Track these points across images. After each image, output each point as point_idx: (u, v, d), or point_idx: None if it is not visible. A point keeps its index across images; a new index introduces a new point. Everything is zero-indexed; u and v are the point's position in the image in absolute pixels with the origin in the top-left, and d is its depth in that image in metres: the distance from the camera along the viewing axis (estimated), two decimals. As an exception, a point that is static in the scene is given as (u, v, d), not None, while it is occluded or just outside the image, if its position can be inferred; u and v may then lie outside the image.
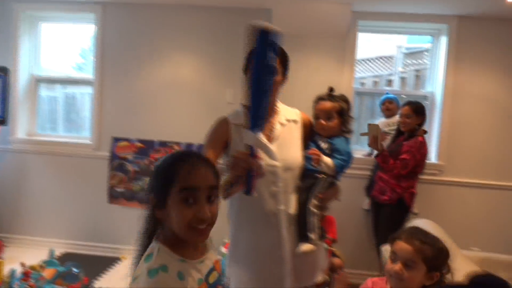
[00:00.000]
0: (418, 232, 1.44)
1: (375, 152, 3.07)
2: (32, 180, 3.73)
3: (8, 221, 3.72)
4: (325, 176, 1.70)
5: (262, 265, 1.59)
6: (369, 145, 2.99)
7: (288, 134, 1.67)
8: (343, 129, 1.89)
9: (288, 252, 1.58)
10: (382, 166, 2.92)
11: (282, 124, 1.67)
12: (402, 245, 1.39)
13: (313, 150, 1.70)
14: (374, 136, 2.88)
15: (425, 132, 2.99)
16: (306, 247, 1.60)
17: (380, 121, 3.33)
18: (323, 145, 1.80)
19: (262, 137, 1.59)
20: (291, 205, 1.61)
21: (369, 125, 2.94)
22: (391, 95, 3.36)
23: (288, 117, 1.70)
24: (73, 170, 3.70)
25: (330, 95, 1.90)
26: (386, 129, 3.22)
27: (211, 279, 1.11)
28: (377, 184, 3.02)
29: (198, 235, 1.03)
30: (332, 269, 2.85)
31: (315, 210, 1.65)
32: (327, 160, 1.71)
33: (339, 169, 1.75)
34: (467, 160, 3.35)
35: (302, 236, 1.60)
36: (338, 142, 1.82)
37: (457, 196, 3.35)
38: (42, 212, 3.73)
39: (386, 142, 3.12)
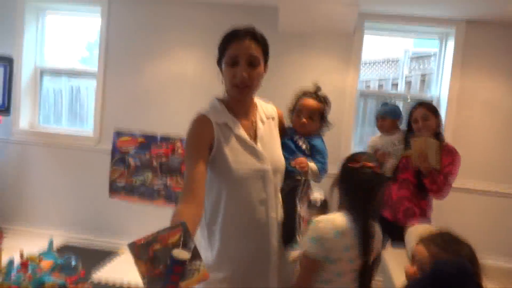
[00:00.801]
0: (443, 238, 1.32)
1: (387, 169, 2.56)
2: (33, 171, 3.73)
3: (8, 211, 3.72)
4: (304, 178, 1.62)
5: (247, 276, 1.44)
6: (416, 164, 2.42)
7: (269, 132, 1.54)
8: (321, 130, 1.79)
9: (275, 262, 1.46)
10: (429, 187, 2.39)
11: (263, 122, 1.53)
12: (420, 249, 1.31)
13: (300, 159, 1.59)
14: (424, 153, 2.34)
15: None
16: (295, 253, 1.53)
17: (379, 137, 2.86)
18: (302, 145, 1.68)
19: (247, 138, 1.46)
20: (280, 211, 1.47)
21: (415, 140, 2.40)
22: (387, 108, 2.84)
23: (267, 114, 1.57)
24: (74, 163, 3.69)
25: (316, 93, 1.79)
26: (389, 149, 2.69)
27: None
28: (401, 205, 2.50)
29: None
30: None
31: (302, 214, 1.58)
32: (313, 166, 1.63)
33: (322, 173, 1.68)
34: (471, 166, 3.31)
35: (289, 240, 1.49)
36: (319, 143, 1.72)
37: (459, 202, 3.31)
38: (42, 203, 3.73)
39: (390, 163, 2.62)
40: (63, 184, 3.71)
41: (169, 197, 3.47)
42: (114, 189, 3.60)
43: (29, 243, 3.49)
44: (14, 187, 3.75)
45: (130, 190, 3.50)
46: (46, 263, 2.68)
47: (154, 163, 3.45)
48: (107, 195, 3.60)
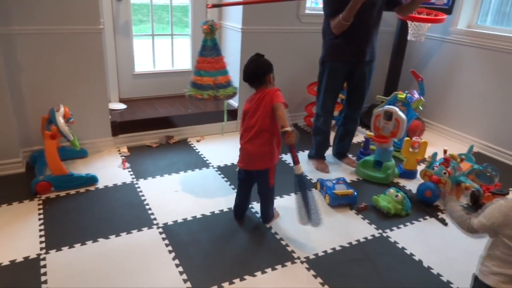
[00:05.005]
0: None
1: None
2: (462, 73, 3.71)
3: (432, 108, 3.98)
4: None
5: None
6: None
7: None
8: None
9: None
10: None
11: None
12: None
13: None
14: None
15: None
16: None
17: None
18: None
19: None
20: None
21: None
22: None
23: None
24: (506, 69, 3.35)
25: None
26: None
27: None
28: None
29: None
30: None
31: None
32: None
33: None
34: None
35: None
36: None
37: None
38: (465, 107, 3.72)
39: None
40: (489, 90, 3.49)
41: None
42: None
43: (448, 143, 3.70)
44: (441, 86, 3.90)
45: None
46: (465, 165, 2.76)
47: None
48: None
